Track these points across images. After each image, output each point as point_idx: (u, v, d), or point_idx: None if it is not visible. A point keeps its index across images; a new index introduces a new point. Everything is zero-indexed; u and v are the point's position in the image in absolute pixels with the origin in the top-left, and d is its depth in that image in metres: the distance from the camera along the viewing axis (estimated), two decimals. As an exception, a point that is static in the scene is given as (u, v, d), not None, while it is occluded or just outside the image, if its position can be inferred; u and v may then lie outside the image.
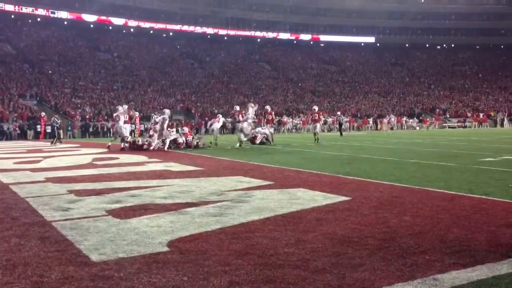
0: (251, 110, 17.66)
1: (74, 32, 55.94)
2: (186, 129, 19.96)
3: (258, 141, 19.06)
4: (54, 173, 9.58)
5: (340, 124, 34.10)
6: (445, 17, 71.20)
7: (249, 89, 54.50)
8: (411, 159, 11.69)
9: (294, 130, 42.61)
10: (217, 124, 20.44)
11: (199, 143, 18.08)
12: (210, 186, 7.23)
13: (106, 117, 38.00)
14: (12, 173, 9.79)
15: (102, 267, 3.36)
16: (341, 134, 31.30)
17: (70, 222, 4.83)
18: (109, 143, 17.69)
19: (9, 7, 50.63)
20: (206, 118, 40.52)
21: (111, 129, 23.08)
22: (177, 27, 60.46)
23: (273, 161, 11.68)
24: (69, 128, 34.79)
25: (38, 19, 53.86)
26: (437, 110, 56.00)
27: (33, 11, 52.01)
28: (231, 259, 3.52)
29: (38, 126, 33.89)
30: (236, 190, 6.83)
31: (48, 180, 8.39)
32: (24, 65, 47.17)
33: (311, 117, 23.65)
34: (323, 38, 69.34)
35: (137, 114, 25.87)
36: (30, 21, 53.97)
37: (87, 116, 38.61)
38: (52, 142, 22.35)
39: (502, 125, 49.25)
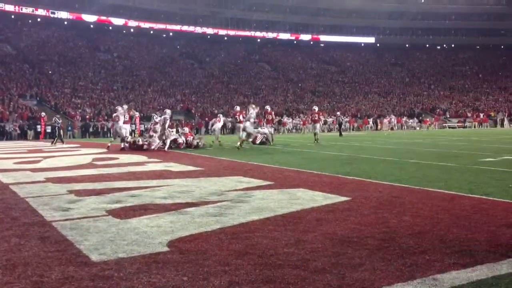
0: (252, 111, 17.66)
1: (74, 32, 55.95)
2: (186, 129, 19.96)
3: (258, 141, 19.06)
4: (54, 173, 9.58)
5: (340, 124, 34.10)
6: (445, 17, 71.21)
7: (249, 89, 54.51)
8: (411, 159, 11.69)
9: (294, 130, 42.61)
10: (219, 124, 20.50)
11: (200, 143, 18.09)
12: (210, 186, 7.23)
13: (106, 117, 37.99)
14: (12, 173, 9.79)
15: (102, 267, 3.36)
16: (340, 134, 31.29)
17: (70, 222, 4.83)
18: (109, 144, 17.69)
19: (9, 7, 50.65)
20: (206, 118, 40.53)
21: (111, 129, 23.08)
22: (177, 27, 60.47)
23: (273, 161, 11.68)
24: (69, 128, 34.81)
25: (38, 19, 53.88)
26: (437, 110, 55.99)
27: (33, 11, 52.03)
28: (231, 259, 3.52)
29: (38, 126, 33.89)
30: (236, 190, 6.83)
31: (48, 180, 8.39)
32: (24, 65, 47.17)
33: (311, 117, 23.66)
34: (323, 38, 69.34)
35: (137, 114, 25.86)
36: (30, 21, 53.98)
37: (87, 116, 38.61)
38: (52, 142, 22.36)
39: (502, 125, 49.26)
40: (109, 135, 32.24)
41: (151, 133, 17.29)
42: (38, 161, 12.68)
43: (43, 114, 32.71)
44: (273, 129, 22.02)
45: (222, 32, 63.59)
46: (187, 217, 4.99)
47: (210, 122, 25.33)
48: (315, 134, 21.20)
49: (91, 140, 31.65)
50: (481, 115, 51.69)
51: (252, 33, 65.25)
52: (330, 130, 41.99)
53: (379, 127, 46.63)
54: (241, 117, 18.57)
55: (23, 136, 33.68)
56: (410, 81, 65.94)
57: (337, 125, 34.80)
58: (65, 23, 55.32)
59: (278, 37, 66.85)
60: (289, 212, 5.16)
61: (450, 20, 71.70)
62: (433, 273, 3.15)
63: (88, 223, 4.79)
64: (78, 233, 4.37)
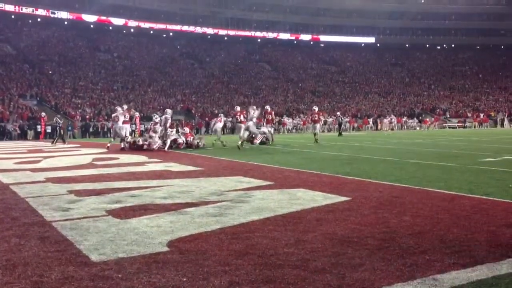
0: (252, 112, 17.66)
1: (74, 32, 55.95)
2: (187, 130, 19.96)
3: (258, 141, 19.06)
4: (54, 173, 9.58)
5: (340, 124, 34.09)
6: (445, 17, 71.22)
7: (249, 89, 54.50)
8: (411, 159, 11.68)
9: (294, 130, 42.60)
10: (219, 123, 20.49)
11: (200, 144, 18.08)
12: (210, 186, 7.23)
13: (106, 117, 37.99)
14: (12, 173, 9.79)
15: (102, 267, 3.36)
16: (340, 134, 31.26)
17: (70, 222, 4.83)
18: (108, 144, 17.69)
19: (9, 7, 50.65)
20: (207, 118, 40.54)
21: (111, 129, 23.06)
22: (177, 27, 60.47)
23: (273, 161, 11.68)
24: (69, 128, 34.80)
25: (38, 19, 53.87)
26: (437, 110, 55.99)
27: (33, 11, 52.03)
28: (231, 259, 3.52)
29: (38, 126, 33.90)
30: (236, 190, 6.83)
31: (48, 180, 8.39)
32: (24, 65, 47.17)
33: (311, 117, 23.67)
34: (323, 38, 69.33)
35: (137, 114, 25.88)
36: (30, 21, 53.98)
37: (87, 116, 38.61)
38: (52, 142, 22.36)
39: (502, 125, 49.25)
40: (109, 135, 32.24)
41: (151, 133, 17.28)
42: (38, 161, 12.68)
43: (43, 114, 32.72)
44: (273, 129, 22.00)
45: (222, 32, 63.59)
46: (187, 217, 4.99)
47: (211, 122, 25.31)
48: (315, 134, 21.20)
49: (91, 140, 31.65)
50: (481, 115, 51.67)
51: (252, 33, 65.25)
52: (330, 130, 41.99)
53: (379, 127, 46.65)
54: (241, 117, 18.55)
55: (23, 136, 33.67)
56: (410, 81, 65.94)
57: (337, 125, 34.82)
58: (65, 23, 55.31)
59: (278, 37, 66.85)
60: (289, 212, 5.16)
61: (450, 20, 71.70)
62: (433, 273, 3.15)
63: (88, 223, 4.79)
64: (78, 233, 4.37)
